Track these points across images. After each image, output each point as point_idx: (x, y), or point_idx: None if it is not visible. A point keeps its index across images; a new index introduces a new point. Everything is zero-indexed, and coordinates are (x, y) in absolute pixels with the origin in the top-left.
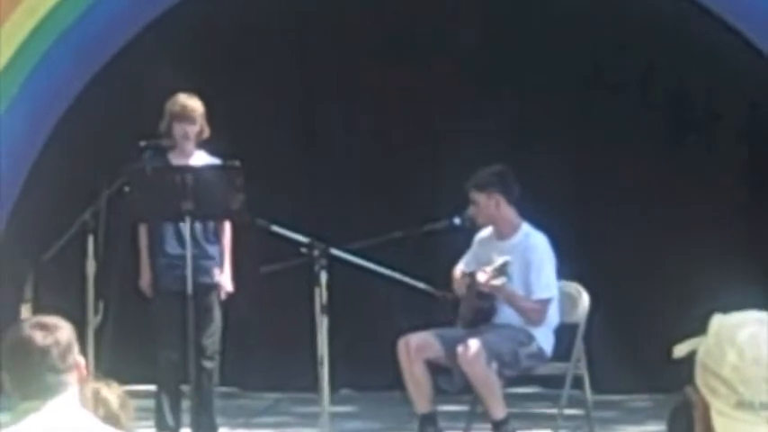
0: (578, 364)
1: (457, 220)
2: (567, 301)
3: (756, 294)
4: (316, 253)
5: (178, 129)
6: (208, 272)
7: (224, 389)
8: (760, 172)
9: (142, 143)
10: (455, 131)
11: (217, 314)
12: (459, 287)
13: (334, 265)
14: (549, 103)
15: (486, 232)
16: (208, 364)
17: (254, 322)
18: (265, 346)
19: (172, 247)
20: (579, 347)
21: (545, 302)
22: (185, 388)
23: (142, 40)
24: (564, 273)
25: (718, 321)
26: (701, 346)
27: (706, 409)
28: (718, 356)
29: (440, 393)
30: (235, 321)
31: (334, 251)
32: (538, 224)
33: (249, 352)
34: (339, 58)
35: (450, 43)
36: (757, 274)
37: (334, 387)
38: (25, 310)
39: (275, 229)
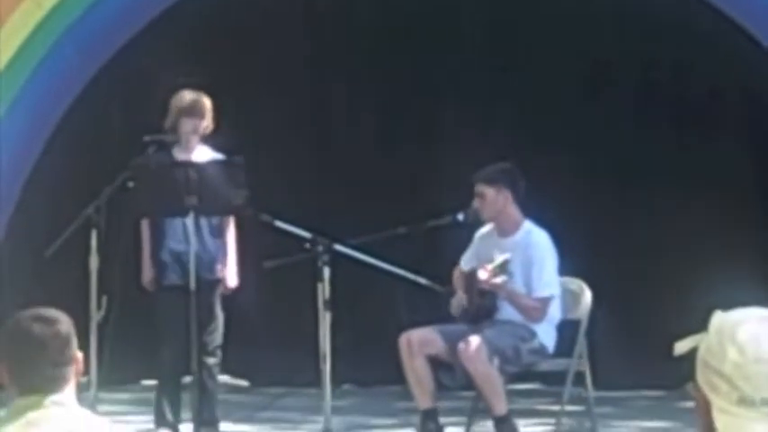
0: (580, 361)
1: (461, 216)
2: (570, 297)
3: (757, 291)
4: (319, 248)
5: (187, 124)
6: (210, 267)
7: (228, 378)
8: (762, 169)
9: (146, 138)
10: (460, 128)
11: (219, 310)
12: (459, 286)
13: (337, 260)
14: (552, 101)
15: (486, 229)
16: (209, 360)
17: (258, 317)
18: (268, 342)
19: (175, 242)
20: (581, 344)
21: (546, 300)
22: (186, 382)
23: (146, 34)
24: (566, 269)
25: (719, 318)
26: (702, 343)
27: (707, 406)
28: (719, 353)
29: (441, 389)
30: (238, 316)
31: (338, 247)
32: (540, 220)
33: (252, 347)
34: (345, 53)
35: (456, 40)
36: (758, 271)
37: (336, 382)
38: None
39: (279, 224)
